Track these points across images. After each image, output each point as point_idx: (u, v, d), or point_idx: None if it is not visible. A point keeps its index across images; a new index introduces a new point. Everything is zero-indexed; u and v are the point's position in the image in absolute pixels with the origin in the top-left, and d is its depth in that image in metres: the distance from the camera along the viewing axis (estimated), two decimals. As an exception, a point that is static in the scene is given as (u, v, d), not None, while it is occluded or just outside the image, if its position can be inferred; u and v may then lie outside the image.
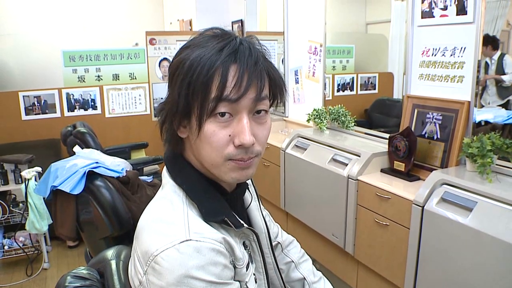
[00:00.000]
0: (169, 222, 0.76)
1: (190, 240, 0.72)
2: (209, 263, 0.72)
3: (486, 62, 2.15)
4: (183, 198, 0.81)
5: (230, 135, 0.77)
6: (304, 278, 1.16)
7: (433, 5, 2.23)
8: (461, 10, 2.08)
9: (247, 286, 0.83)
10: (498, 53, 2.13)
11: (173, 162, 0.88)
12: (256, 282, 0.88)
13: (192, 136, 0.80)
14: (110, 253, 1.03)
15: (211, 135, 0.76)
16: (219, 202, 0.83)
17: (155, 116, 4.31)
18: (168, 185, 0.85)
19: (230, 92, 0.74)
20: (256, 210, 1.04)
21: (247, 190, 1.00)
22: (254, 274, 0.88)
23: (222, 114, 0.76)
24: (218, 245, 0.74)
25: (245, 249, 0.87)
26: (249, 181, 1.04)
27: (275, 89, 0.83)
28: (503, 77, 2.12)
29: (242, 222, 0.84)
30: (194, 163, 0.86)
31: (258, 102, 0.78)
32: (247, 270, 0.84)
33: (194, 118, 0.77)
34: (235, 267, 0.79)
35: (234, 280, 0.78)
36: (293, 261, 1.19)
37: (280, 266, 1.13)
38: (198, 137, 0.78)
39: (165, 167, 0.90)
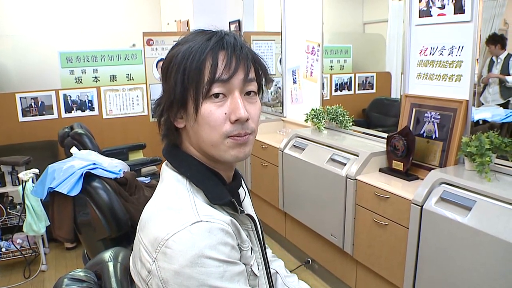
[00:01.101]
0: (176, 209, 0.79)
1: (201, 221, 0.75)
2: (220, 242, 0.74)
3: (492, 60, 2.14)
4: (187, 186, 0.85)
5: (226, 113, 0.82)
6: (276, 272, 1.19)
7: (431, 4, 2.23)
8: (459, 9, 2.08)
9: (252, 270, 0.86)
10: (505, 53, 2.12)
11: (173, 154, 0.91)
12: (258, 268, 0.91)
13: (190, 123, 0.85)
14: (107, 255, 1.03)
15: (208, 114, 0.82)
16: (221, 188, 0.87)
17: (152, 117, 4.30)
18: (169, 177, 0.88)
19: (221, 73, 0.81)
20: (249, 206, 1.08)
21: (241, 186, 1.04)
22: (256, 260, 0.91)
23: (217, 95, 0.82)
24: (226, 226, 0.78)
25: None
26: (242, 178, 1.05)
27: (260, 73, 0.90)
28: (507, 78, 2.12)
29: (241, 209, 0.88)
30: (193, 154, 0.89)
31: (247, 82, 0.84)
32: (251, 253, 0.87)
33: (191, 102, 0.82)
34: (241, 250, 0.83)
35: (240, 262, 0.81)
36: None
37: None
38: (196, 121, 0.83)
39: (164, 162, 0.92)
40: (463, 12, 2.07)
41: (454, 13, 2.12)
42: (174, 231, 0.73)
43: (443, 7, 2.17)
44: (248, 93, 0.85)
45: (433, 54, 2.27)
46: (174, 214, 0.78)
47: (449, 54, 2.18)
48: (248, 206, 1.06)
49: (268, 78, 0.92)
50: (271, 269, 1.18)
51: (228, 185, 0.93)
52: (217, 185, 0.87)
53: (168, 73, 0.85)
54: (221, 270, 0.73)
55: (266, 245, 1.08)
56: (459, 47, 2.13)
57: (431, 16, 2.24)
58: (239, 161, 0.89)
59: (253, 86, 0.86)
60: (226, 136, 0.83)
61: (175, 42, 0.89)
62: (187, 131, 0.87)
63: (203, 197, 0.83)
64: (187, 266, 0.71)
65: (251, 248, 0.88)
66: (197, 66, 0.80)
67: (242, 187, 1.06)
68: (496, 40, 2.09)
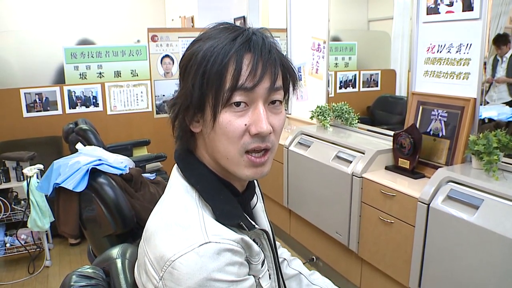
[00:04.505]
0: (184, 225, 0.74)
1: (210, 242, 0.71)
2: (228, 264, 0.71)
3: (496, 58, 2.13)
4: (196, 199, 0.79)
5: (246, 125, 0.76)
6: (299, 272, 1.16)
7: (439, 1, 2.21)
8: (468, 6, 2.07)
9: (259, 282, 0.82)
10: (510, 52, 2.11)
11: (185, 161, 0.86)
12: (270, 278, 0.88)
13: (206, 130, 0.78)
14: (115, 251, 1.02)
15: (227, 125, 0.75)
16: (233, 204, 0.82)
17: (157, 113, 4.30)
18: (178, 185, 0.83)
19: (245, 81, 0.73)
20: (261, 211, 1.04)
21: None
22: (268, 270, 0.88)
23: (238, 104, 0.75)
24: (235, 245, 0.74)
25: None
26: (255, 182, 1.02)
27: (288, 79, 0.83)
28: None
29: (253, 223, 0.83)
30: (206, 161, 0.84)
31: (272, 91, 0.77)
32: (262, 266, 0.83)
33: (209, 109, 0.76)
34: (249, 263, 0.79)
35: (248, 275, 0.78)
36: (285, 259, 1.19)
37: None
38: (213, 130, 0.77)
39: (175, 166, 0.87)
40: (472, 10, 2.05)
41: (463, 11, 2.10)
42: (181, 253, 0.70)
43: (451, 4, 2.15)
44: (273, 102, 0.78)
45: (440, 52, 2.26)
46: (182, 231, 0.73)
47: (457, 51, 2.17)
48: (259, 211, 1.02)
49: (296, 84, 0.85)
50: (293, 269, 1.16)
51: (241, 196, 0.88)
52: (227, 201, 0.81)
53: (186, 73, 0.78)
54: None
55: (277, 249, 1.06)
56: (467, 44, 2.11)
57: (439, 13, 2.23)
58: (255, 179, 0.84)
59: (279, 95, 0.79)
60: (244, 152, 0.77)
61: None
62: (203, 136, 0.81)
63: (212, 212, 0.78)
64: None
65: (263, 261, 0.84)
66: (218, 70, 0.73)
67: (255, 192, 1.01)
68: (504, 41, 2.08)
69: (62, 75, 3.92)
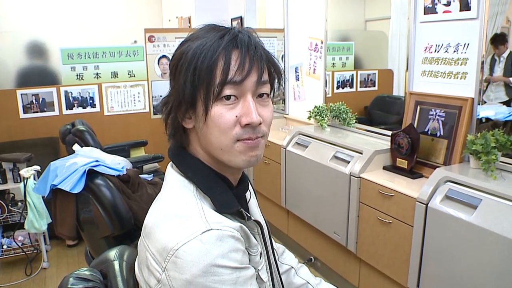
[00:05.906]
0: (185, 216, 0.76)
1: (212, 229, 0.73)
2: (231, 250, 0.73)
3: (494, 58, 2.13)
4: (193, 192, 0.82)
5: (237, 116, 0.79)
6: (307, 281, 1.17)
7: (436, 1, 2.21)
8: (465, 6, 2.07)
9: (258, 274, 0.84)
10: (508, 51, 2.11)
11: (180, 156, 0.88)
12: (267, 272, 0.90)
13: (199, 124, 0.82)
14: (112, 253, 1.02)
15: (219, 117, 0.79)
16: (229, 195, 0.84)
17: (154, 114, 4.28)
18: (174, 180, 0.85)
19: (234, 75, 0.78)
20: (255, 207, 1.06)
21: None
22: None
23: (228, 97, 0.79)
24: (236, 232, 0.76)
25: None
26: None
27: (273, 74, 0.87)
28: (511, 79, 2.12)
29: (248, 214, 0.86)
30: (201, 156, 0.87)
31: (260, 85, 0.81)
32: (260, 258, 0.86)
33: (201, 103, 0.79)
34: (249, 254, 0.81)
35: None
36: (292, 267, 1.21)
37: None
38: (205, 123, 0.80)
39: (169, 164, 0.90)
40: (469, 9, 2.05)
41: (460, 10, 2.10)
42: (184, 241, 0.71)
43: (448, 4, 2.15)
44: (261, 95, 0.83)
45: (438, 52, 2.26)
46: (182, 221, 0.75)
47: (454, 51, 2.17)
48: (254, 207, 1.04)
49: (281, 79, 0.89)
50: (302, 278, 1.18)
51: (235, 189, 0.91)
52: (225, 192, 0.84)
53: (177, 71, 0.82)
54: (234, 277, 0.72)
55: (274, 249, 1.07)
56: (465, 44, 2.11)
57: (436, 13, 2.23)
58: (251, 166, 0.87)
59: (266, 88, 0.83)
60: (236, 140, 0.80)
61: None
62: (196, 132, 0.84)
63: (211, 204, 0.81)
64: (200, 276, 0.69)
65: (261, 253, 0.86)
66: (209, 66, 0.77)
67: (248, 189, 1.03)
68: (505, 40, 2.09)
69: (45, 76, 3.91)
